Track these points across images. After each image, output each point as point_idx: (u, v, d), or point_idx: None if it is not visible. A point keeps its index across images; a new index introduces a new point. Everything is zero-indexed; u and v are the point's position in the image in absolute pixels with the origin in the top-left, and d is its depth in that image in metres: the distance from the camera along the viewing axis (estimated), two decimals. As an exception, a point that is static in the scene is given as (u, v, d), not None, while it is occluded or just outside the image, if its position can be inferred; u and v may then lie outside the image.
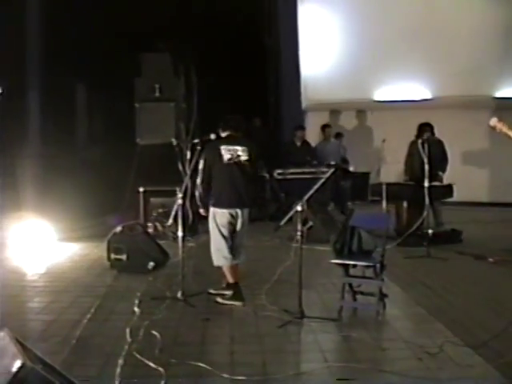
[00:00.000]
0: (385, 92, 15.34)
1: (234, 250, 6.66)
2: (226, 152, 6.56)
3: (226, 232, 6.61)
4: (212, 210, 6.64)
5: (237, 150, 6.58)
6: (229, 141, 6.66)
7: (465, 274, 8.13)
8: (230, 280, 6.70)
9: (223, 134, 6.76)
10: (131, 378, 4.53)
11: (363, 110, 15.43)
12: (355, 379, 4.57)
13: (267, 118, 15.99)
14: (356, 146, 15.31)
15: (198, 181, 6.72)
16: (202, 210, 6.83)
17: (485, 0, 14.56)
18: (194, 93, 11.97)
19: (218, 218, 6.60)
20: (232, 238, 6.64)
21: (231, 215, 6.59)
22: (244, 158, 6.60)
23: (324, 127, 13.85)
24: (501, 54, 14.25)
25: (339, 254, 6.43)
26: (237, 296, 6.62)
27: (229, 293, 6.67)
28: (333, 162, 12.58)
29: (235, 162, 6.56)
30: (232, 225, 6.62)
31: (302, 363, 5.01)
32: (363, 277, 6.47)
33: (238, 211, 6.60)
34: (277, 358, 5.06)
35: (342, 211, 12.22)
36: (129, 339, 5.34)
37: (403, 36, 14.55)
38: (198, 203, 6.82)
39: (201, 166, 6.65)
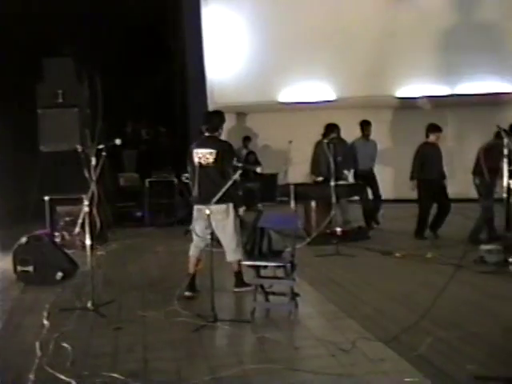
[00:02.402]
0: (290, 93, 15.51)
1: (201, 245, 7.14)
2: (196, 155, 7.07)
3: (197, 227, 7.04)
4: None
5: (205, 153, 7.02)
6: (202, 143, 7.17)
7: (373, 270, 8.32)
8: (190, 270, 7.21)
9: (205, 134, 7.24)
10: (42, 393, 4.42)
11: (270, 111, 15.51)
12: (271, 380, 4.59)
13: (174, 122, 15.91)
14: (263, 148, 15.47)
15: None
16: None
17: (387, 3, 14.91)
18: (98, 98, 11.76)
19: (194, 212, 7.18)
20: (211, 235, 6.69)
21: (201, 211, 6.87)
22: (211, 160, 6.98)
23: (364, 124, 11.94)
24: (400, 55, 14.66)
25: (250, 255, 6.47)
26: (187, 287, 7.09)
27: None
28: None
29: (202, 165, 6.99)
30: (205, 221, 6.66)
31: (217, 367, 4.96)
32: (274, 277, 6.53)
33: (203, 207, 6.68)
34: (191, 363, 5.01)
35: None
36: (39, 353, 5.18)
37: (308, 38, 14.73)
38: None
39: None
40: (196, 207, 7.10)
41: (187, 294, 7.02)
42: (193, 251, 7.21)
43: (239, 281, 7.23)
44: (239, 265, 7.12)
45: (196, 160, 7.05)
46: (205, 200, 6.72)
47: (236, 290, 7.19)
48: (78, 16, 12.41)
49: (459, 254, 7.74)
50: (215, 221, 6.82)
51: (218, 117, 7.43)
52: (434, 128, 10.36)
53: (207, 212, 6.39)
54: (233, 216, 7.02)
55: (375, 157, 11.86)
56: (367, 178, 11.41)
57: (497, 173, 9.41)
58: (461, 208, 10.25)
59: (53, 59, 11.05)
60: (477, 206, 9.64)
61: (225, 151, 7.06)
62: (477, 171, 9.59)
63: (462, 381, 4.43)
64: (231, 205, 6.99)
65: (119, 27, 13.22)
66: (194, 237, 7.13)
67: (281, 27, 15.03)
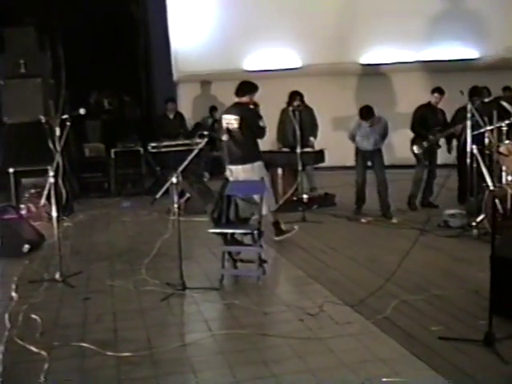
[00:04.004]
0: (255, 61, 15.45)
1: None
2: (224, 121, 7.84)
3: None
4: None
5: (231, 119, 7.73)
6: (228, 110, 7.94)
7: (340, 236, 8.42)
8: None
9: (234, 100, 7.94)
10: (14, 364, 4.43)
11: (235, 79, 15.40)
12: (240, 345, 4.67)
13: (139, 91, 15.79)
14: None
15: None
16: None
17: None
18: (61, 67, 11.61)
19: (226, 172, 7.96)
20: None
21: (230, 170, 7.82)
22: (235, 125, 7.66)
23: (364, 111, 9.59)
24: (365, 21, 14.65)
25: (217, 223, 6.50)
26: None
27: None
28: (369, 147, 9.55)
29: (229, 130, 7.71)
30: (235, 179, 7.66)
31: (186, 334, 5.04)
32: (242, 244, 6.57)
33: (233, 167, 7.80)
34: (161, 331, 5.07)
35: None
36: (8, 325, 5.18)
37: (272, 4, 14.66)
38: None
39: None
40: (227, 167, 7.89)
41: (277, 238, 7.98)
42: None
43: (278, 230, 8.00)
44: (274, 215, 7.96)
45: (224, 125, 7.79)
46: (233, 161, 7.81)
47: (277, 238, 7.97)
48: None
49: (424, 218, 7.86)
50: (243, 179, 7.61)
51: (248, 84, 7.99)
52: None
53: (237, 170, 7.68)
54: (258, 174, 7.56)
55: (383, 136, 9.61)
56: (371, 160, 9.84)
57: (419, 137, 9.80)
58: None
59: (14, 29, 10.86)
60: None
61: (248, 117, 7.71)
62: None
63: (427, 342, 4.54)
64: (256, 163, 7.73)
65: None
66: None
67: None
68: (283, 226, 8.12)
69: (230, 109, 7.95)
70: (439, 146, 10.00)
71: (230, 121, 7.73)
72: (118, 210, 10.77)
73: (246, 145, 7.74)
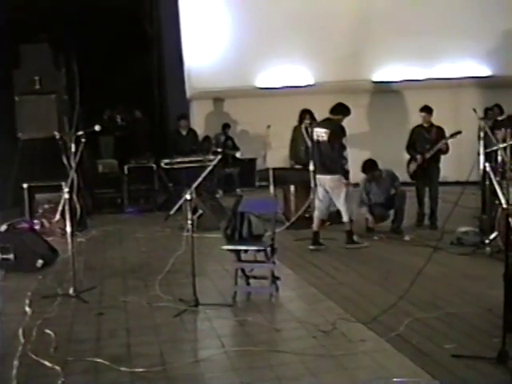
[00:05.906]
0: (267, 78, 15.52)
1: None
2: (315, 133, 8.63)
3: (318, 192, 8.73)
4: None
5: (321, 132, 8.48)
6: (320, 124, 8.77)
7: (352, 253, 8.40)
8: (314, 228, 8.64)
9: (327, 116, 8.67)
10: (28, 379, 4.44)
11: (247, 96, 15.46)
12: (254, 362, 4.67)
13: (152, 108, 15.87)
14: (241, 133, 15.49)
15: None
16: None
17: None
18: (75, 84, 11.70)
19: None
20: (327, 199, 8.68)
21: (318, 180, 8.68)
22: (325, 138, 8.42)
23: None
24: (376, 39, 14.72)
25: (230, 240, 6.50)
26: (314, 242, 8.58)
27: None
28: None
29: (318, 141, 8.53)
30: (322, 188, 8.61)
31: (199, 350, 5.04)
32: (255, 261, 6.58)
33: (321, 177, 8.62)
34: (174, 347, 5.08)
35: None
36: (22, 340, 5.19)
37: (285, 22, 14.74)
38: None
39: None
40: (316, 176, 8.74)
41: (311, 247, 8.53)
42: (316, 213, 8.69)
43: (349, 239, 8.58)
44: (350, 225, 8.54)
45: (315, 138, 8.60)
46: (320, 171, 8.62)
47: (347, 246, 8.55)
48: (54, 1, 12.30)
49: (437, 236, 7.85)
50: (330, 188, 8.48)
51: (343, 106, 8.64)
52: None
53: (322, 180, 8.51)
54: (342, 185, 8.40)
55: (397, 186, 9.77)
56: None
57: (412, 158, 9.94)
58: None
59: (29, 45, 10.96)
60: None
61: (336, 131, 8.37)
62: None
63: (440, 360, 4.53)
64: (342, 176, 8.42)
65: (96, 12, 13.13)
66: (316, 201, 8.77)
67: (258, 12, 15.02)
68: (355, 237, 8.66)
69: (321, 123, 8.76)
70: (425, 165, 9.84)
71: (321, 133, 8.47)
72: (131, 226, 10.81)
73: (332, 157, 8.37)
